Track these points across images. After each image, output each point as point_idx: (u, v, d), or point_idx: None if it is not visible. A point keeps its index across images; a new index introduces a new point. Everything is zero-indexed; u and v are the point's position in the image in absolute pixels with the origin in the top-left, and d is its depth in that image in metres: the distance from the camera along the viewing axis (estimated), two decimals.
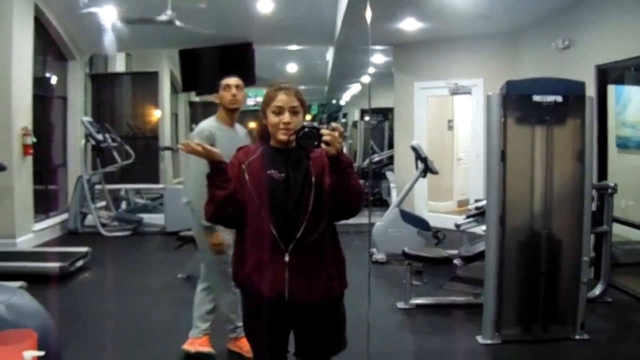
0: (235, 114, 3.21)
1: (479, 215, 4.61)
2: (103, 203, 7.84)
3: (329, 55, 9.88)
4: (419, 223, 5.86)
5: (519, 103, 3.59)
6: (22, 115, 6.19)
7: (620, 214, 4.95)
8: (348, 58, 8.93)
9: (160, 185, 8.62)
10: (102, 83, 9.32)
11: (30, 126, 6.27)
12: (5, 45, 5.90)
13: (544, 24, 6.19)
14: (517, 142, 3.58)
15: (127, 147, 7.93)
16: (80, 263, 5.25)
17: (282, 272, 1.94)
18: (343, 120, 15.51)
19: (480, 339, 3.60)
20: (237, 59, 7.59)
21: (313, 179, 1.95)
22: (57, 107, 7.72)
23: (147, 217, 7.63)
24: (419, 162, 5.78)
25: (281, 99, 1.97)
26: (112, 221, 7.46)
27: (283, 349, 2.11)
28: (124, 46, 8.43)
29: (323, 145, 1.79)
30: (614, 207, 4.43)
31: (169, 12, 5.99)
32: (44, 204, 7.10)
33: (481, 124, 6.57)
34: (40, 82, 7.01)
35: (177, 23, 6.08)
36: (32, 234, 6.42)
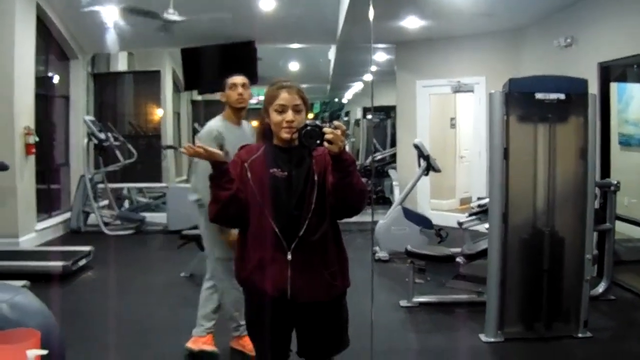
0: (242, 113, 3.23)
1: (482, 213, 4.61)
2: (105, 202, 7.85)
3: (331, 53, 9.86)
4: (422, 221, 5.86)
5: (521, 101, 3.58)
6: (25, 114, 6.20)
7: (622, 211, 4.93)
8: (350, 56, 8.93)
9: (163, 184, 8.64)
10: (104, 82, 9.32)
11: (32, 125, 6.28)
12: (8, 44, 5.90)
13: (546, 22, 6.18)
14: (520, 140, 3.58)
15: (130, 146, 7.94)
16: (83, 262, 5.26)
17: (284, 270, 1.94)
18: (345, 119, 15.50)
19: (483, 337, 3.59)
20: (240, 57, 7.58)
21: (315, 178, 1.95)
22: (60, 106, 7.73)
23: (149, 216, 7.64)
24: (422, 160, 5.77)
25: (284, 97, 1.96)
26: (115, 220, 7.47)
27: (285, 348, 2.10)
28: (126, 45, 8.43)
29: (325, 143, 1.78)
30: (616, 204, 4.42)
31: (171, 10, 5.99)
32: (47, 203, 7.11)
33: (483, 121, 6.55)
34: (42, 82, 7.01)
35: (178, 18, 6.07)
36: (34, 233, 6.43)
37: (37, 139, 6.31)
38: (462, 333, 3.76)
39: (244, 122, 3.26)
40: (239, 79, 3.18)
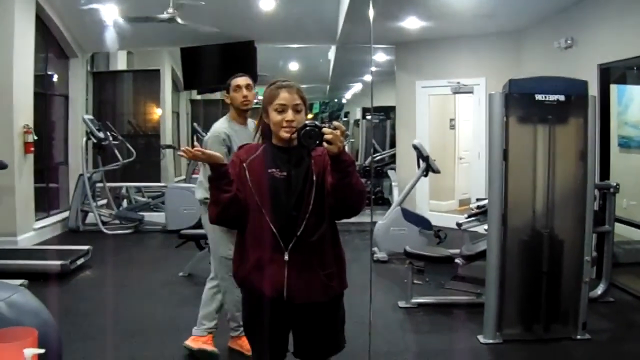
0: (247, 113, 3.24)
1: (481, 214, 4.60)
2: (104, 201, 7.85)
3: (331, 53, 9.86)
4: (421, 222, 5.86)
5: (521, 102, 3.57)
6: (24, 113, 6.19)
7: (622, 213, 4.94)
8: (350, 56, 8.93)
9: (162, 184, 8.62)
10: (103, 81, 9.32)
11: (31, 124, 6.27)
12: (7, 43, 5.90)
13: (546, 23, 6.18)
14: (519, 141, 3.57)
15: (129, 145, 7.93)
16: (81, 261, 5.25)
17: (281, 270, 1.93)
18: (345, 119, 15.48)
19: (481, 339, 3.59)
20: (239, 57, 7.58)
21: (314, 178, 1.94)
22: (59, 105, 7.72)
23: (148, 215, 7.63)
24: (421, 161, 5.77)
25: (284, 96, 1.96)
26: (113, 219, 7.46)
27: (282, 349, 2.10)
28: (126, 44, 8.42)
29: (325, 143, 1.78)
30: (615, 206, 4.42)
31: (170, 10, 5.98)
32: (45, 202, 7.10)
33: (483, 123, 6.55)
34: (41, 80, 7.00)
35: (179, 21, 6.07)
36: (33, 232, 6.42)
37: (35, 137, 6.30)
38: (461, 334, 3.76)
39: (250, 121, 3.26)
40: (242, 80, 3.18)
